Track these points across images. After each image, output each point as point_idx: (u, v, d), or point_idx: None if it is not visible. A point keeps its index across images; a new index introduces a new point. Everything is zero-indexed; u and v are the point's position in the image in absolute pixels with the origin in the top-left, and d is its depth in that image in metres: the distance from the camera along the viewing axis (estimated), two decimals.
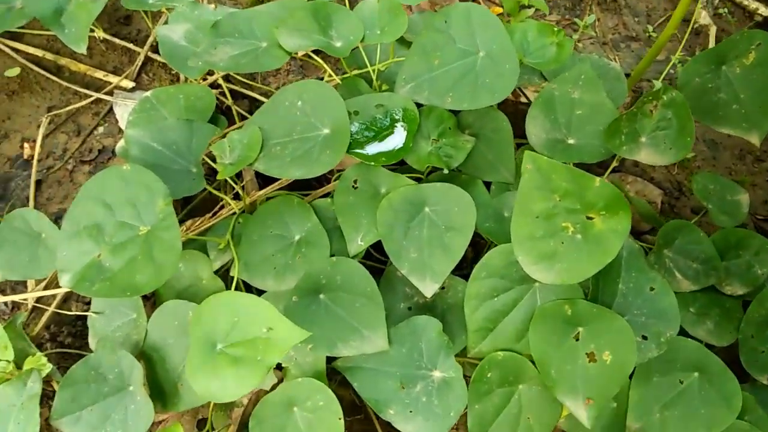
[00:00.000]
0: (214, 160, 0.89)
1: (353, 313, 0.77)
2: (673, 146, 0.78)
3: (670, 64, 0.98)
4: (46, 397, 0.84)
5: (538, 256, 0.66)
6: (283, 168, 0.80)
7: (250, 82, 1.09)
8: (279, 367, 0.80)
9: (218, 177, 0.81)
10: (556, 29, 0.90)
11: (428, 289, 0.75)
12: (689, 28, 0.99)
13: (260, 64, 0.86)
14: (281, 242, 0.83)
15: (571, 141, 0.84)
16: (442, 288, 0.81)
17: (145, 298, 0.88)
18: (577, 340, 0.69)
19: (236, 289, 0.80)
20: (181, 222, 0.92)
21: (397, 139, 0.81)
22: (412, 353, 0.74)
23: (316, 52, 1.00)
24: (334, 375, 0.80)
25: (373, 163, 0.80)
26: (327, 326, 0.76)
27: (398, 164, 0.85)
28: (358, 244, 0.80)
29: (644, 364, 0.71)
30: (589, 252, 0.64)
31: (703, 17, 1.25)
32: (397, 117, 0.83)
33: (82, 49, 0.98)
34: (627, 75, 1.02)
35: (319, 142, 0.81)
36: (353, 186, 0.83)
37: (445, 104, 0.80)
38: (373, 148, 0.81)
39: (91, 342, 0.81)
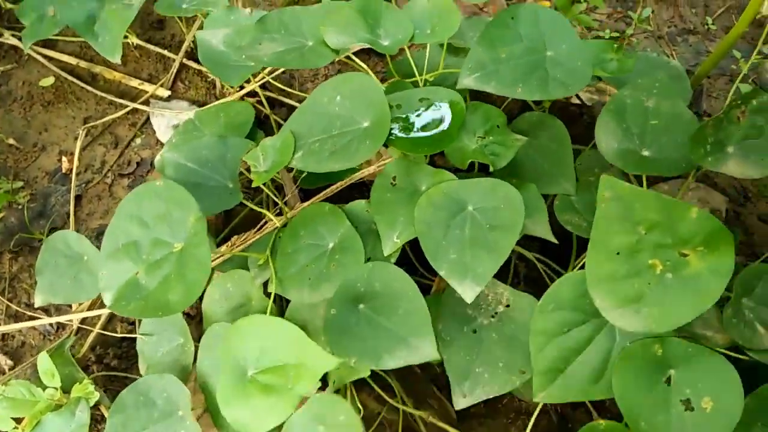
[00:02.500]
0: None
1: (397, 320, 0.72)
2: (766, 157, 0.68)
3: (749, 63, 0.91)
4: (94, 421, 0.82)
5: (621, 300, 0.58)
6: (320, 162, 0.77)
7: (288, 89, 1.05)
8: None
9: (253, 185, 0.77)
10: (615, 45, 0.85)
11: (468, 292, 0.69)
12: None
13: (306, 61, 0.83)
14: (315, 251, 0.79)
15: (645, 153, 0.78)
16: (507, 306, 0.77)
17: (189, 317, 0.86)
18: (669, 384, 0.61)
19: (276, 304, 0.77)
20: (226, 238, 0.89)
21: (441, 125, 0.77)
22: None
23: (359, 56, 0.95)
24: None
25: (413, 156, 0.76)
26: (370, 338, 0.71)
27: (440, 165, 0.80)
28: (394, 241, 0.76)
29: (746, 411, 0.61)
30: (684, 295, 0.57)
31: (766, 8, 1.16)
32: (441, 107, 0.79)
33: (116, 59, 0.95)
34: (687, 72, 0.95)
35: (358, 135, 0.77)
36: (392, 183, 0.79)
37: (514, 94, 0.75)
38: (413, 135, 0.77)
39: (141, 367, 0.79)
